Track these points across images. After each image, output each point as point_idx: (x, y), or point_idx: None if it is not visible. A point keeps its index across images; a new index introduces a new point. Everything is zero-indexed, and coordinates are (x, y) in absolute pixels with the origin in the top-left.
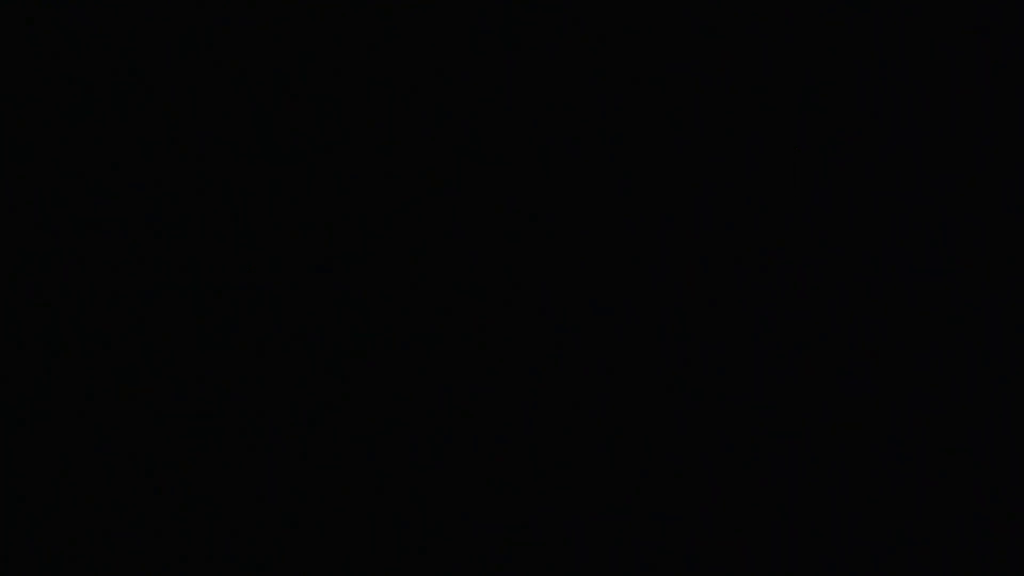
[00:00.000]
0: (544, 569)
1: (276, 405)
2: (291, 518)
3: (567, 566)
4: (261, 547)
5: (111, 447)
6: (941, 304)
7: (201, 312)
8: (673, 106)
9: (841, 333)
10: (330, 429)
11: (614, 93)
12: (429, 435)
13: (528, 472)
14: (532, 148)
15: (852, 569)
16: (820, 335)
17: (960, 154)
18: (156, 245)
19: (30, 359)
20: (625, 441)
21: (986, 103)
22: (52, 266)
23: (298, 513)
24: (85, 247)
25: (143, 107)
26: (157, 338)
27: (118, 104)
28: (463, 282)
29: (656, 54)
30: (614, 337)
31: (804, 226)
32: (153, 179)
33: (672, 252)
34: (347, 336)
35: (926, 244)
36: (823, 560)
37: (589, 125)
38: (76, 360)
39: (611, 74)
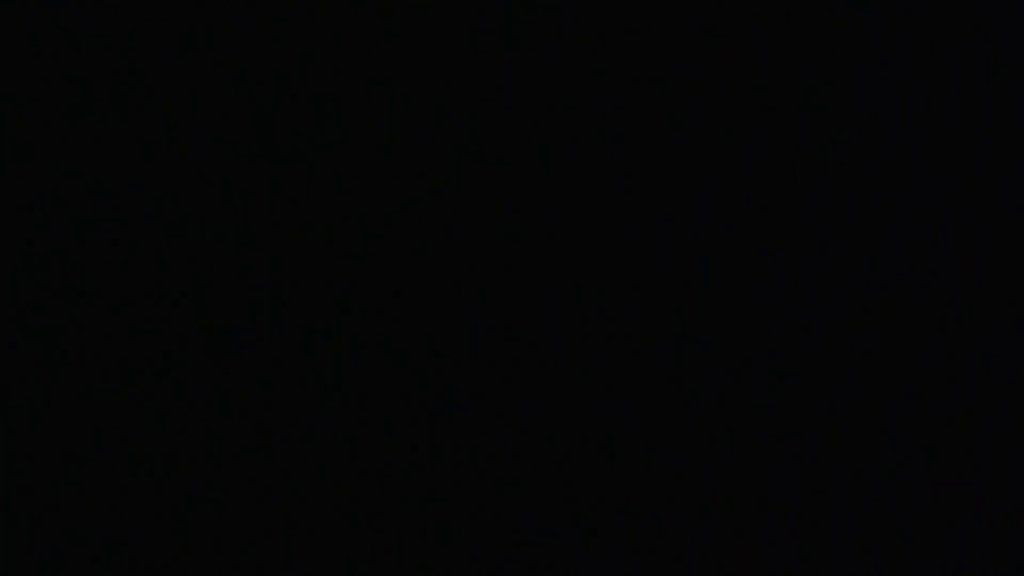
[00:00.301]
0: (544, 569)
1: (276, 405)
2: (291, 518)
3: (567, 566)
4: (261, 547)
5: (111, 447)
6: (941, 304)
7: (201, 312)
8: (673, 106)
9: (841, 333)
10: (330, 429)
11: (614, 93)
12: (429, 435)
13: (528, 472)
14: (532, 148)
15: (852, 569)
16: (820, 335)
17: (960, 154)
18: (156, 245)
19: (30, 359)
20: (625, 441)
21: (986, 103)
22: (52, 266)
23: (298, 513)
24: (85, 247)
25: (143, 107)
26: (157, 338)
27: (118, 104)
28: (463, 282)
29: (656, 54)
30: (614, 337)
31: (804, 226)
32: (153, 179)
33: (672, 252)
34: (347, 336)
35: (926, 244)
36: (823, 560)
37: (589, 125)
38: (76, 360)
39: (611, 74)
